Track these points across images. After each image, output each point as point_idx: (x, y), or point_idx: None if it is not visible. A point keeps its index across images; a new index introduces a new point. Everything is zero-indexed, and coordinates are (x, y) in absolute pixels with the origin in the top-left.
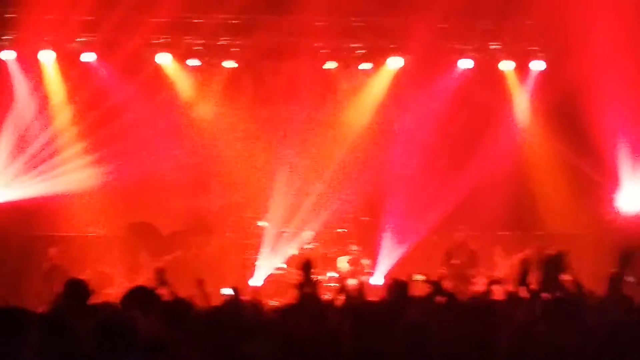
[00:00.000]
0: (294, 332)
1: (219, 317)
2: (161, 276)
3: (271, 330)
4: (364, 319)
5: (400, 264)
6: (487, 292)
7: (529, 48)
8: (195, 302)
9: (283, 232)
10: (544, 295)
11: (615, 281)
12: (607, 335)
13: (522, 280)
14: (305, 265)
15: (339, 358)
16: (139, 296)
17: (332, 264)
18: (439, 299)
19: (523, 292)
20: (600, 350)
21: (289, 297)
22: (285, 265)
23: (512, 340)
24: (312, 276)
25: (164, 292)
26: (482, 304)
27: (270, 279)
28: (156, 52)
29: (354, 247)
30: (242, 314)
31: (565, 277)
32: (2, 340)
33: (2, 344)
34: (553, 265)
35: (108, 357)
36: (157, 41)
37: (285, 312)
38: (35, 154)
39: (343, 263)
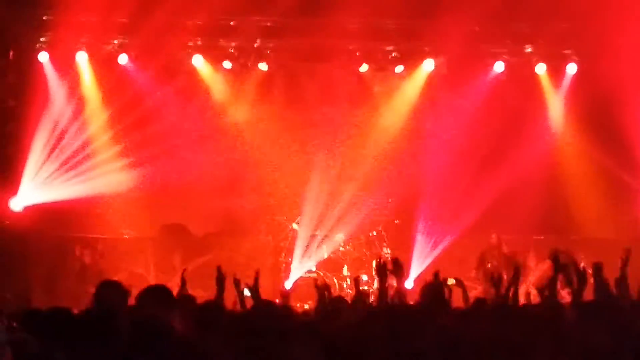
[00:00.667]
0: (329, 336)
1: (251, 320)
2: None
3: (305, 334)
4: (399, 322)
5: (433, 267)
6: (522, 296)
7: (563, 51)
8: (228, 303)
9: (315, 235)
10: (580, 298)
11: None
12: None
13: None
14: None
15: None
16: (156, 295)
17: (365, 267)
18: (473, 302)
19: (558, 296)
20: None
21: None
22: (315, 269)
23: (547, 344)
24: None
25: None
26: (516, 308)
27: (301, 282)
28: (191, 55)
29: (387, 250)
30: (274, 317)
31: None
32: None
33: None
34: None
35: (142, 358)
36: (191, 44)
37: (318, 316)
38: (71, 156)
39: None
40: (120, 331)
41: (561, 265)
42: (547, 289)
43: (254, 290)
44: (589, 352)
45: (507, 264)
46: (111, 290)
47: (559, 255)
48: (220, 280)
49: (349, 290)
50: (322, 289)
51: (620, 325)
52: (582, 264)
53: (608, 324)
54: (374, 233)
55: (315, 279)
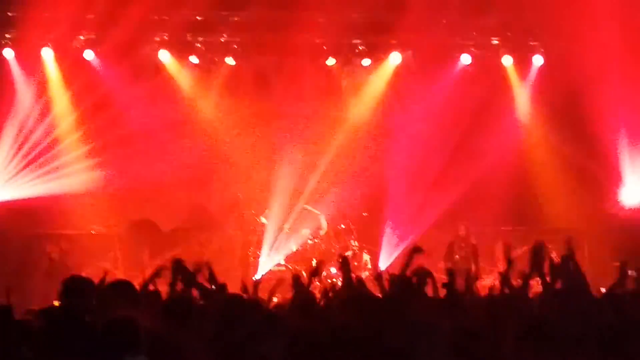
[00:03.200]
0: (299, 329)
1: (222, 314)
2: (158, 274)
3: (276, 327)
4: (367, 313)
5: (402, 260)
6: (490, 287)
7: (530, 43)
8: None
9: (283, 228)
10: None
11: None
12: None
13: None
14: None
15: (348, 354)
16: (119, 291)
17: (333, 260)
18: (443, 293)
19: (529, 285)
20: (604, 343)
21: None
22: (284, 262)
23: (519, 333)
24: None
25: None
26: (486, 298)
27: (270, 275)
28: (157, 50)
29: (355, 243)
30: (245, 310)
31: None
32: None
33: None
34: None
35: (111, 356)
36: (158, 39)
37: (288, 309)
38: (38, 154)
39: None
40: (87, 327)
41: (540, 258)
42: (523, 278)
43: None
44: (558, 340)
45: (475, 255)
46: (78, 286)
47: (541, 247)
48: (187, 274)
49: (317, 282)
50: (298, 280)
51: (588, 315)
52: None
53: (576, 313)
54: (343, 226)
55: (291, 272)
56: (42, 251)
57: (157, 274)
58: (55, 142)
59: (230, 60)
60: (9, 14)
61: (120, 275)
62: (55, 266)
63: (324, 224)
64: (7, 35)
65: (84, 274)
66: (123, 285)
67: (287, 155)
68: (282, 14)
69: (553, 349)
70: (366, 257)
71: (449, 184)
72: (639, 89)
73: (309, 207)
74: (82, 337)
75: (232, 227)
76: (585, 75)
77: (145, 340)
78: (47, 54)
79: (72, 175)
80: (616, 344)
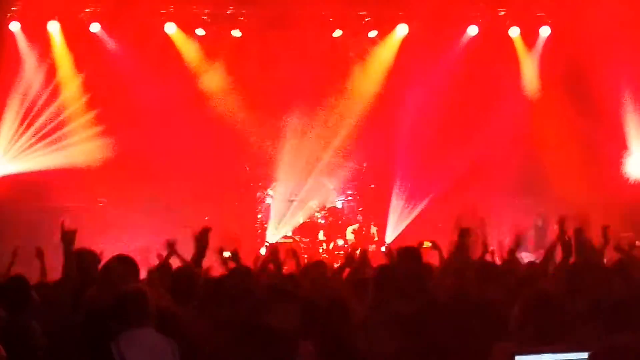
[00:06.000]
0: (306, 300)
1: (229, 286)
2: (172, 247)
3: (284, 298)
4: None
5: (409, 231)
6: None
7: (537, 14)
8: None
9: (291, 200)
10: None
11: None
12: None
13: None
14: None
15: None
16: (123, 264)
17: (340, 232)
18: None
19: (538, 258)
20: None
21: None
22: (291, 234)
23: (527, 305)
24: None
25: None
26: (494, 269)
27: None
28: (164, 22)
29: (360, 217)
30: (251, 282)
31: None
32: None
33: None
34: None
35: (119, 328)
36: (164, 11)
37: (295, 280)
38: (43, 125)
39: (350, 232)
40: (92, 299)
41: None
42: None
43: (235, 254)
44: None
45: (483, 227)
46: (83, 260)
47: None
48: (202, 242)
49: (325, 255)
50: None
51: (600, 286)
52: (555, 226)
53: (589, 286)
54: (349, 198)
55: (298, 244)
56: (51, 225)
57: (171, 248)
58: (62, 116)
59: (236, 33)
60: None
61: (126, 248)
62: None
63: (333, 196)
64: (13, 8)
65: (94, 248)
66: (126, 260)
67: (294, 128)
68: None
69: (561, 322)
70: (373, 229)
71: (456, 155)
72: None
73: (326, 181)
74: (86, 308)
75: (239, 199)
76: (592, 46)
77: (154, 312)
78: (54, 27)
79: (78, 147)
80: (627, 315)
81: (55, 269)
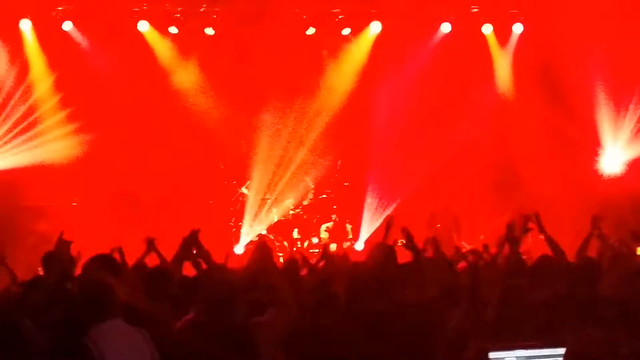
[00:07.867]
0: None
1: (204, 285)
2: (151, 245)
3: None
4: (352, 282)
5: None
6: (473, 255)
7: (510, 11)
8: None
9: (265, 198)
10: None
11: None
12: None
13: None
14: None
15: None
16: (101, 263)
17: (314, 231)
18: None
19: (507, 254)
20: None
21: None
22: (265, 232)
23: (497, 302)
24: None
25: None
26: (469, 266)
27: (252, 246)
28: (136, 20)
29: (334, 215)
30: (225, 280)
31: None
32: None
33: None
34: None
35: (86, 317)
36: (137, 9)
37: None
38: (15, 124)
39: (324, 230)
40: (69, 298)
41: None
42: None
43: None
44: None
45: (457, 224)
46: (59, 257)
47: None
48: (190, 243)
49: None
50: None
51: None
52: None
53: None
54: (324, 196)
55: (273, 242)
56: (24, 224)
57: (150, 246)
58: (34, 115)
59: (209, 31)
60: None
61: (101, 248)
62: (39, 239)
63: (307, 194)
64: None
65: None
66: (105, 258)
67: (268, 125)
68: None
69: (529, 317)
70: (348, 227)
71: (430, 153)
72: (618, 56)
73: (308, 179)
74: (62, 303)
75: (213, 198)
76: (564, 43)
77: (122, 305)
78: (26, 25)
79: (50, 144)
80: (591, 310)
81: (28, 269)
